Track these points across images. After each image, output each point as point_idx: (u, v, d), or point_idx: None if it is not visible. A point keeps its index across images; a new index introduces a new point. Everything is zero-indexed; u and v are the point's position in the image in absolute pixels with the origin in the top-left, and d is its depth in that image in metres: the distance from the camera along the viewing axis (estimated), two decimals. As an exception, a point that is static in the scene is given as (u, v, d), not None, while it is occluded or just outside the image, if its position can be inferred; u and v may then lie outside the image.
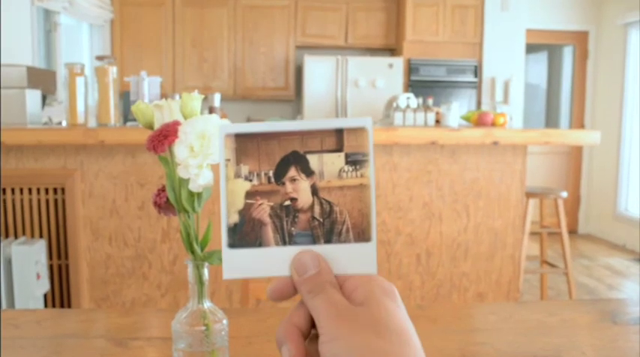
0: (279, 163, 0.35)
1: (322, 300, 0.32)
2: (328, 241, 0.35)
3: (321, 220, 0.35)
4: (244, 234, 0.35)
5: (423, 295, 2.19)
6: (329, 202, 0.35)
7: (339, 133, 0.36)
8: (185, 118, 0.56)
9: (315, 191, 0.35)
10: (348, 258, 0.34)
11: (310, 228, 0.35)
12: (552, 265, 3.13)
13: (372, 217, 0.35)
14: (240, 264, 0.35)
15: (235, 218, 0.35)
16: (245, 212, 0.35)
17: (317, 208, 0.35)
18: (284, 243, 0.35)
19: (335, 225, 0.35)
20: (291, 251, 0.34)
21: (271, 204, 0.35)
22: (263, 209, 0.35)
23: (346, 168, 0.36)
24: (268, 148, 0.35)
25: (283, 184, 0.35)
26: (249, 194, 0.35)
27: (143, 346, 0.68)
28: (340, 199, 0.35)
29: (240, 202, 0.35)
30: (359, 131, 0.35)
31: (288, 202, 0.35)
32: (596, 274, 3.85)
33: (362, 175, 0.35)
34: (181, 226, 0.56)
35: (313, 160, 0.36)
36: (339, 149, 0.36)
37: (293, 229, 0.35)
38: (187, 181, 0.53)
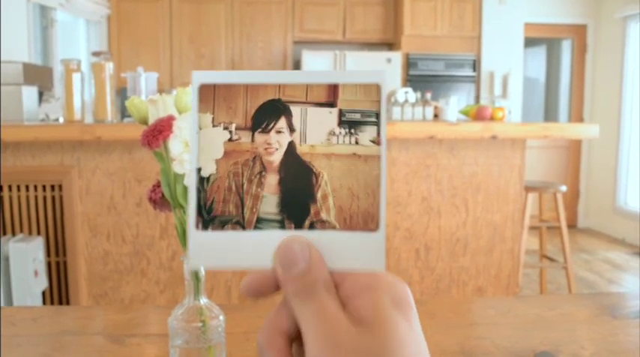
0: (265, 108, 0.28)
1: (312, 310, 0.25)
2: (302, 213, 0.27)
3: (292, 183, 0.28)
4: (217, 208, 0.28)
5: (422, 290, 2.19)
6: (306, 164, 0.28)
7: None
8: (180, 113, 0.55)
9: (290, 150, 0.28)
10: (347, 249, 0.27)
11: (279, 191, 0.28)
12: (551, 260, 3.13)
13: (382, 199, 0.27)
14: (212, 250, 0.28)
15: (212, 168, 0.28)
16: (224, 162, 0.28)
17: (287, 169, 0.28)
18: (243, 207, 0.28)
19: (309, 191, 0.28)
20: (274, 236, 0.27)
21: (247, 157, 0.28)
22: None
23: (338, 130, 0.28)
24: (250, 100, 0.29)
25: (267, 132, 0.28)
26: (230, 145, 0.28)
27: (141, 343, 0.68)
28: (333, 172, 0.28)
29: (218, 151, 0.28)
30: (363, 85, 0.28)
31: (256, 156, 0.28)
32: (596, 268, 3.86)
33: (357, 143, 0.28)
34: (177, 222, 0.55)
35: (296, 113, 0.28)
36: (330, 103, 0.28)
37: (259, 190, 0.28)
38: (182, 176, 0.52)
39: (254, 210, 0.28)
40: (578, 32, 5.23)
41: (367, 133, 0.28)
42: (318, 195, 0.28)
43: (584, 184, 5.33)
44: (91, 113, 2.07)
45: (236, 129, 0.28)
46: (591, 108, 5.29)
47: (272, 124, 0.28)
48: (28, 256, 1.78)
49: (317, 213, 0.28)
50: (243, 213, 0.28)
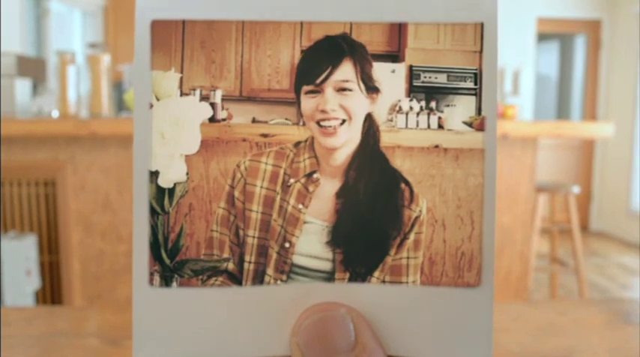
0: (316, 49, 0.16)
1: None
2: (372, 258, 0.15)
3: (367, 200, 0.15)
4: (189, 245, 0.16)
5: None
6: (392, 168, 0.16)
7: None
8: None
9: (372, 139, 0.16)
10: (425, 320, 0.15)
11: (336, 219, 0.15)
12: (563, 263, 3.05)
13: (486, 229, 0.16)
14: (178, 328, 0.15)
15: (179, 174, 0.16)
16: (201, 161, 0.16)
17: (364, 168, 0.15)
18: (267, 242, 0.15)
19: (395, 221, 0.15)
20: (302, 296, 0.15)
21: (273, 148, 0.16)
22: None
23: (407, 103, 0.17)
24: (252, 46, 0.16)
25: (317, 91, 0.16)
26: (214, 129, 0.16)
27: (138, 345, 0.66)
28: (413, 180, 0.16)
29: (192, 141, 0.16)
30: (452, 24, 0.16)
31: (304, 140, 0.15)
32: (609, 273, 3.77)
33: (441, 126, 0.17)
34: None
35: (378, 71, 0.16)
36: (393, 55, 0.17)
37: (301, 206, 0.16)
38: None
39: (286, 245, 0.15)
40: (593, 28, 5.12)
41: (459, 110, 0.17)
42: (408, 227, 0.15)
43: (597, 185, 5.23)
44: (86, 107, 2.03)
45: (224, 100, 0.16)
46: (605, 106, 5.19)
47: (327, 71, 0.15)
48: (20, 254, 1.75)
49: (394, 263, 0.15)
50: (263, 253, 0.15)
